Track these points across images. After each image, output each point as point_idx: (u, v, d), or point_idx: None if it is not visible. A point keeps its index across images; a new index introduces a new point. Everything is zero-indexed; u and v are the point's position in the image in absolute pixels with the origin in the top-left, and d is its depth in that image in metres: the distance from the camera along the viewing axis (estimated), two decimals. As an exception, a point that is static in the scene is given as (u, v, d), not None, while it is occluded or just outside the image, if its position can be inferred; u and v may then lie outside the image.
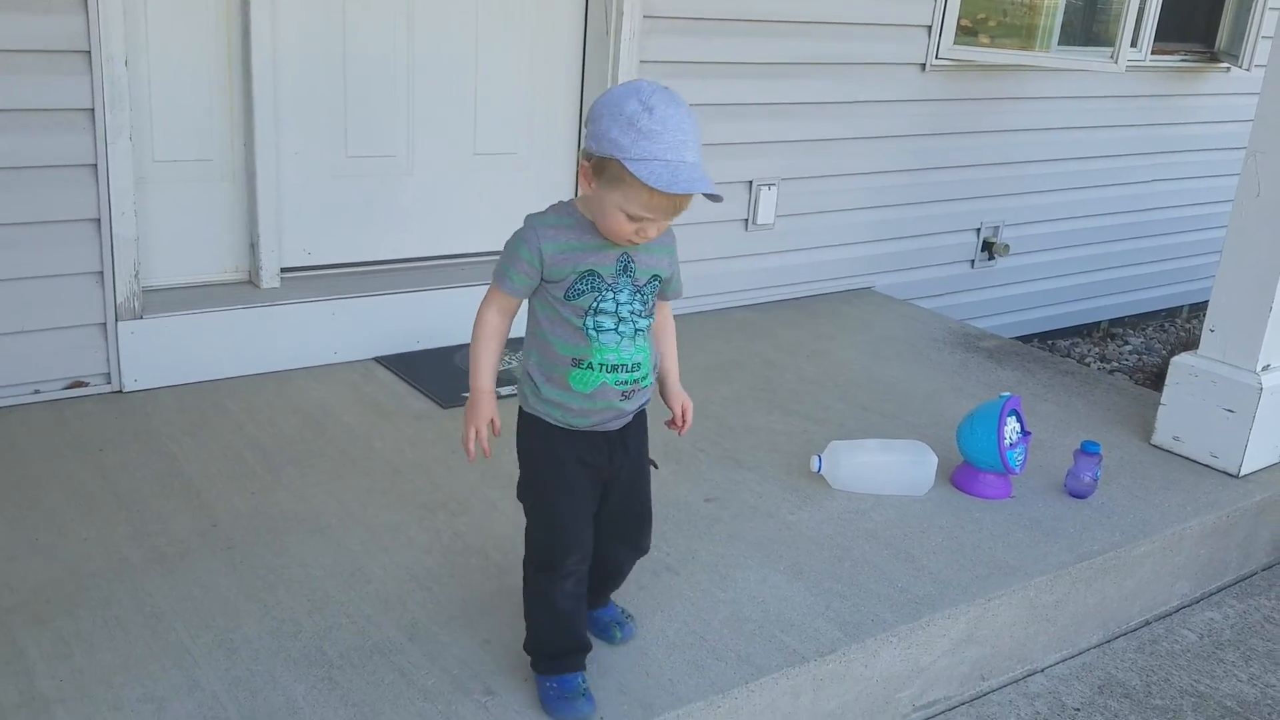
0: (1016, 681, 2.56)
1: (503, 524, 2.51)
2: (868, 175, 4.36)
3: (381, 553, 2.39)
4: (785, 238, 4.23)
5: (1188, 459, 3.18)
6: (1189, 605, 2.93)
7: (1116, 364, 5.10)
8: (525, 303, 1.86)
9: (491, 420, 1.83)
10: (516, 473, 1.93)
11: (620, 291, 1.78)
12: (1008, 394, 2.89)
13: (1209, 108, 5.40)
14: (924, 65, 4.34)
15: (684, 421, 2.01)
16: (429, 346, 3.49)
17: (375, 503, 2.60)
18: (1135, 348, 5.38)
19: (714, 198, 1.66)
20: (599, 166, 1.68)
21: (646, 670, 2.08)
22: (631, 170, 1.61)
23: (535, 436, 1.87)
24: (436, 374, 3.33)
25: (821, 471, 2.83)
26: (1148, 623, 2.84)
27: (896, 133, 4.38)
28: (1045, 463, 3.04)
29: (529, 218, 1.80)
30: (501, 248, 1.84)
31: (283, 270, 3.39)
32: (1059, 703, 2.49)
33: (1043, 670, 2.60)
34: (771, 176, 4.11)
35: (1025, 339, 4.88)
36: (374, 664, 2.02)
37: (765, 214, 4.13)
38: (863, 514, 2.72)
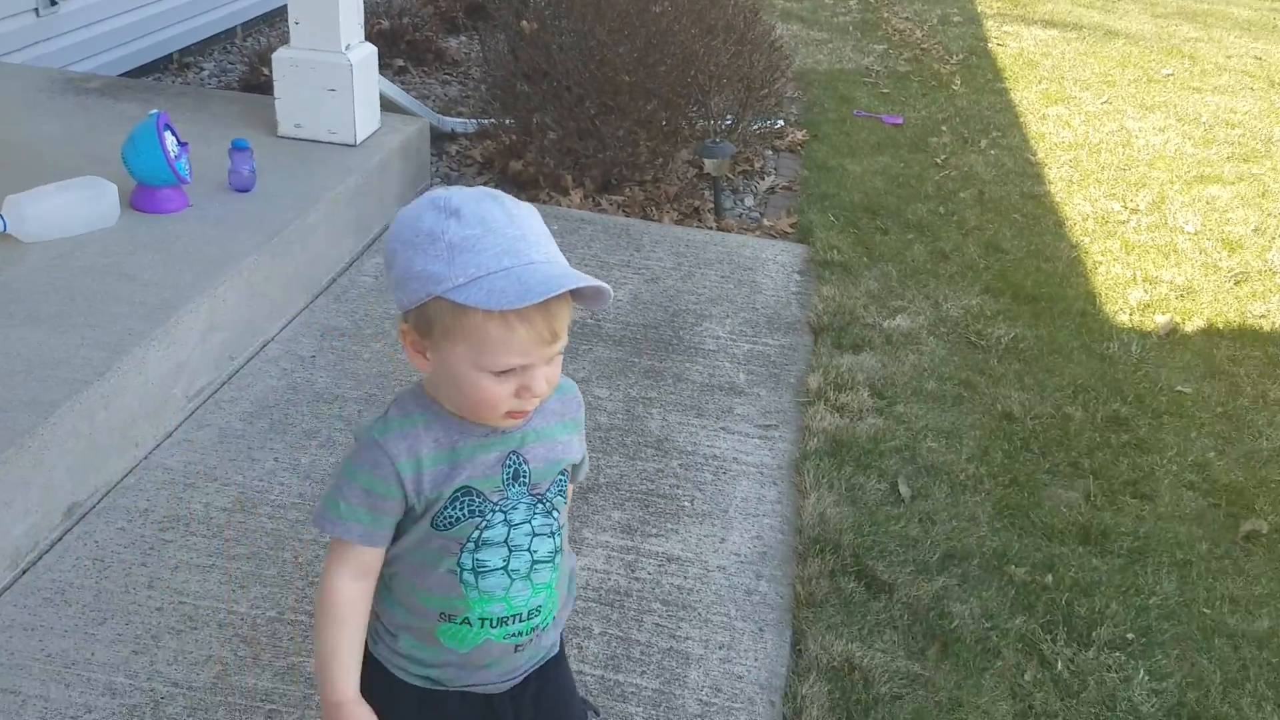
0: (258, 352, 2.93)
1: None
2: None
3: None
4: None
5: (314, 140, 3.67)
6: (358, 258, 3.53)
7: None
8: None
9: None
10: None
11: (513, 509, 1.27)
12: (155, 111, 3.04)
13: None
14: None
15: None
16: None
17: None
18: (213, 71, 5.65)
19: (599, 293, 1.18)
20: (421, 323, 1.19)
21: (-65, 448, 2.02)
22: (462, 300, 1.13)
23: (376, 689, 1.32)
24: None
25: (8, 230, 2.74)
26: (335, 279, 3.38)
27: None
28: (203, 171, 3.28)
29: (364, 430, 1.26)
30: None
31: None
32: (297, 357, 2.94)
33: (274, 338, 3.01)
34: None
35: (112, 80, 4.84)
36: None
37: None
38: (68, 255, 2.74)
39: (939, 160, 4.83)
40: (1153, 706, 2.10)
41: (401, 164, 3.87)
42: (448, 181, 4.40)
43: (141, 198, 3.03)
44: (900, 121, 5.29)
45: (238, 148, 3.20)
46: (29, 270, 2.67)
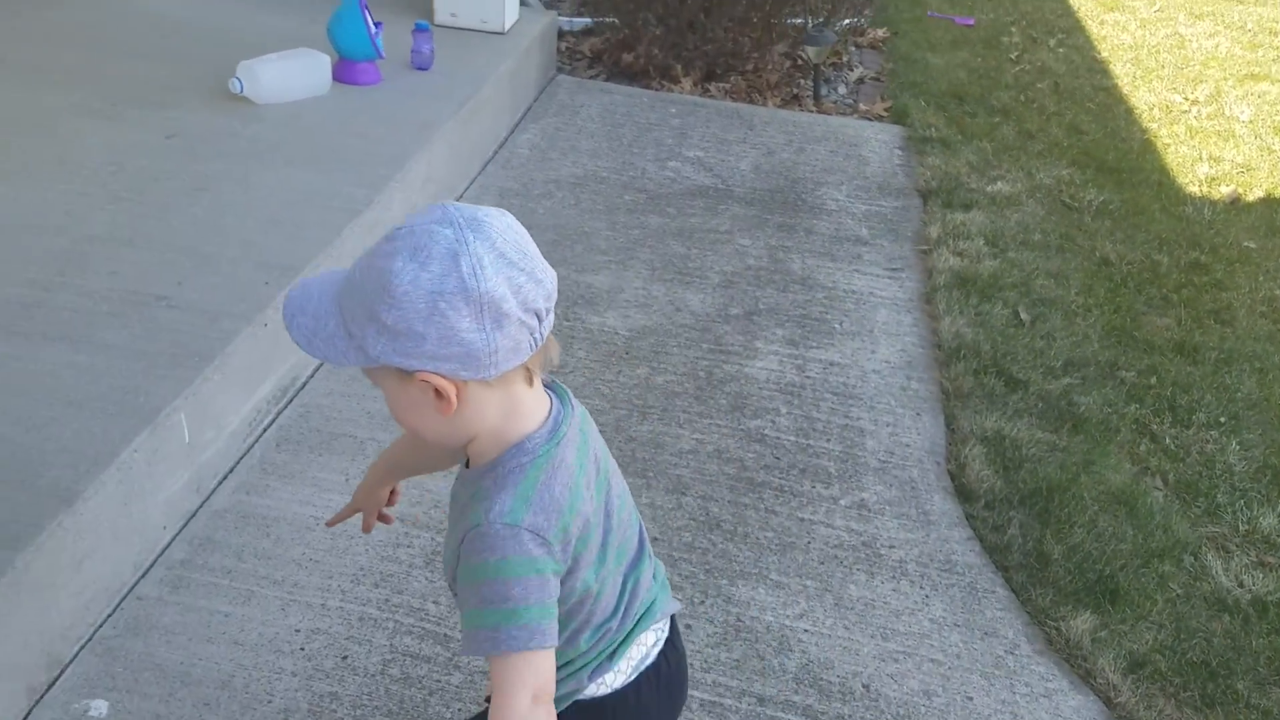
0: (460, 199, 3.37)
1: None
2: None
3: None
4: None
5: (468, 29, 4.08)
6: (512, 132, 3.96)
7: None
8: None
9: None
10: None
11: None
12: (354, -7, 3.44)
13: None
14: None
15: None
16: None
17: None
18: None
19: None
20: None
21: (247, 249, 2.48)
22: None
23: None
24: None
25: (244, 91, 3.17)
26: (498, 150, 3.81)
27: None
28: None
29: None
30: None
31: None
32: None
33: (461, 195, 3.46)
34: None
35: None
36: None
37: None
38: (297, 117, 3.18)
39: (1012, 56, 5.22)
40: (1244, 466, 2.58)
41: (539, 52, 4.28)
42: (564, 72, 4.80)
43: (343, 70, 3.45)
44: (972, 22, 5.67)
45: (420, 29, 3.61)
46: (270, 127, 3.10)
